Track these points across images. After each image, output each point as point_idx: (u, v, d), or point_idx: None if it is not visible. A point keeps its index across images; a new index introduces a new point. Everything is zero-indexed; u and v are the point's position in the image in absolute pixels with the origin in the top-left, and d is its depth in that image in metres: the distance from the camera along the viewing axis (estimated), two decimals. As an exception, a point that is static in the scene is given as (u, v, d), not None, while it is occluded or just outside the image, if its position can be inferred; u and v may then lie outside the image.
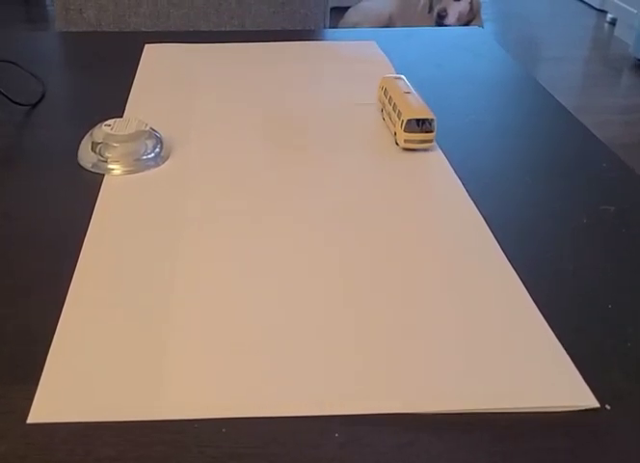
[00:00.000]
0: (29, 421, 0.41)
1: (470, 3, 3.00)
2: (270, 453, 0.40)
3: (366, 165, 0.70)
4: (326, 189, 0.65)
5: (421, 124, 0.71)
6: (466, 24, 3.01)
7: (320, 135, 0.76)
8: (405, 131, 0.71)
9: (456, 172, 0.68)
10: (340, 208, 0.62)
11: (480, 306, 0.51)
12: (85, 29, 1.24)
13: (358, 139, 0.75)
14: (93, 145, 0.68)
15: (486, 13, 3.43)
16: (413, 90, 0.77)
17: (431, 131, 0.71)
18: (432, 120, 0.71)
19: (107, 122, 0.70)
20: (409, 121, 0.70)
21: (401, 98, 0.74)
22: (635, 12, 3.26)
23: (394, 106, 0.74)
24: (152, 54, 0.96)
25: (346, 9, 3.22)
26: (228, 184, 0.66)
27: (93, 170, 0.68)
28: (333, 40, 1.05)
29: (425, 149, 0.72)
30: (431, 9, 3.01)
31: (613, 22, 3.66)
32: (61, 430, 0.41)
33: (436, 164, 0.70)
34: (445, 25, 2.92)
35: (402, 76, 0.81)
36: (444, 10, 2.95)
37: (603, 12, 3.83)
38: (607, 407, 0.43)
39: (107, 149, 0.68)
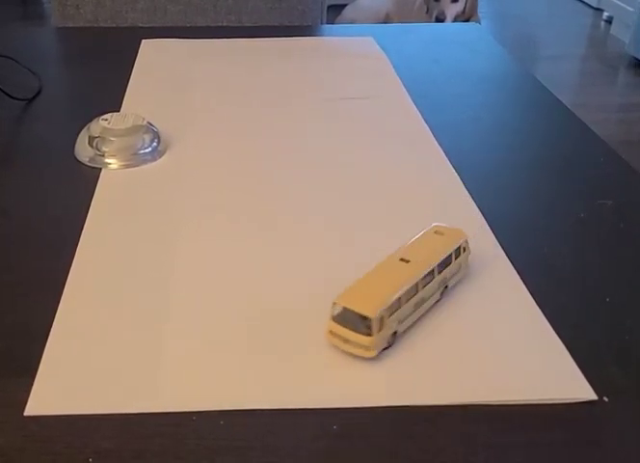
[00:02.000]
0: (26, 413, 0.41)
1: (466, 2, 3.00)
2: (268, 445, 0.40)
3: None
4: (323, 176, 0.65)
5: (361, 321, 0.44)
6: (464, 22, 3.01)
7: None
8: (333, 320, 0.46)
9: (455, 168, 0.68)
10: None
11: (478, 301, 0.51)
12: (82, 25, 1.23)
13: None
14: (91, 139, 0.68)
15: (483, 12, 3.43)
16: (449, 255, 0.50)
17: (369, 335, 0.44)
18: (370, 319, 0.44)
19: (104, 117, 0.70)
20: (341, 308, 0.45)
21: (380, 267, 0.48)
22: (631, 10, 3.26)
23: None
24: (149, 49, 0.96)
25: (343, 6, 3.22)
26: (226, 179, 0.65)
27: (90, 164, 0.67)
28: (330, 35, 1.04)
29: None
30: (428, 10, 3.01)
31: (609, 21, 3.66)
32: (58, 423, 0.41)
33: None
34: None
35: (465, 241, 0.52)
36: (443, 13, 2.95)
37: (600, 10, 3.83)
38: (605, 399, 0.43)
39: (104, 143, 0.68)
